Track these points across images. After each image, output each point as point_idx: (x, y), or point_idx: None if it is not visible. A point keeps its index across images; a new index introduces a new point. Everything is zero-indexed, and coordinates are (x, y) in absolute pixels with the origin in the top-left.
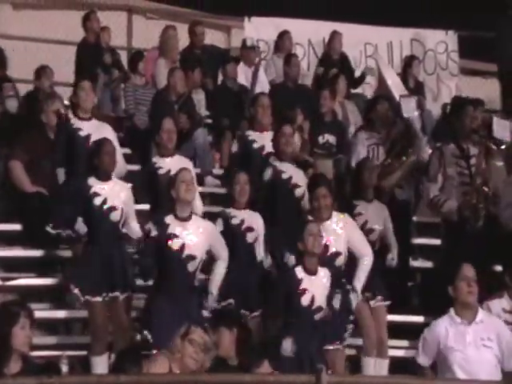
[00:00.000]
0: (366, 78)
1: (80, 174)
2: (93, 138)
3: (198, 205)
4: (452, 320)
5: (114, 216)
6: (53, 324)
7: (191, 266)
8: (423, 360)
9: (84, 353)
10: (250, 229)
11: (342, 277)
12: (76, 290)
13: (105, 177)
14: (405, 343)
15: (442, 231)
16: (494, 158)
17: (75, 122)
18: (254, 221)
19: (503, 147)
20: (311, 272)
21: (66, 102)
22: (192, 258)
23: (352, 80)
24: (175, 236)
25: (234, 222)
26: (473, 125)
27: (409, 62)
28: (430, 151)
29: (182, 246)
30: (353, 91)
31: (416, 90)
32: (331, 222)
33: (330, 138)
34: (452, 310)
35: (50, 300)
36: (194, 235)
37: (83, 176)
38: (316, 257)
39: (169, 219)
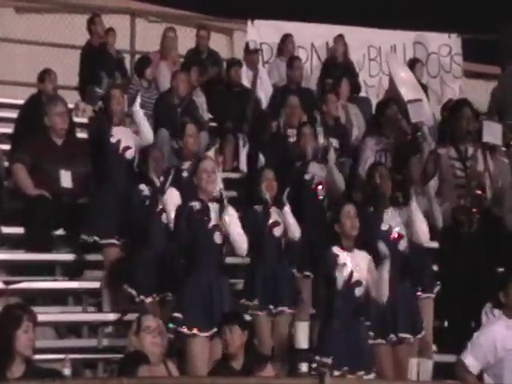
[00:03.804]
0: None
1: (112, 179)
2: (123, 144)
3: None
4: (507, 324)
5: (164, 218)
6: (56, 327)
7: (218, 238)
8: (472, 363)
9: (89, 356)
10: (277, 223)
11: (407, 264)
12: (130, 290)
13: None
14: None
15: (439, 235)
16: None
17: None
18: (279, 216)
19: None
20: (348, 250)
21: (70, 106)
22: (216, 226)
23: (355, 85)
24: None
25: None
26: (469, 126)
27: (412, 65)
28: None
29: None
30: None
31: None
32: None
33: (333, 142)
34: (502, 314)
35: (53, 303)
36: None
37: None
38: (352, 238)
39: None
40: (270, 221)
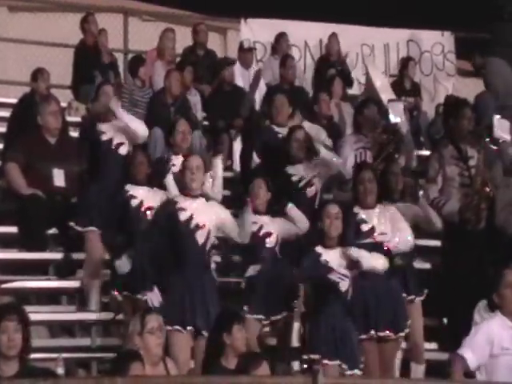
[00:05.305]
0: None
1: (106, 176)
2: (116, 140)
3: (216, 193)
4: (504, 322)
5: (150, 215)
6: (49, 326)
7: (200, 237)
8: (470, 357)
9: (82, 355)
10: (269, 234)
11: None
12: (115, 292)
13: (140, 181)
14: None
15: (443, 233)
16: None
17: (98, 126)
18: (272, 225)
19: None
20: (330, 248)
21: (63, 105)
22: (200, 227)
23: (349, 83)
24: (183, 209)
25: (253, 228)
26: (470, 127)
27: (405, 63)
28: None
29: (190, 217)
30: (349, 92)
31: (412, 91)
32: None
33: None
34: (500, 314)
35: (47, 302)
36: (201, 207)
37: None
38: (334, 238)
39: (177, 197)
40: (262, 231)
